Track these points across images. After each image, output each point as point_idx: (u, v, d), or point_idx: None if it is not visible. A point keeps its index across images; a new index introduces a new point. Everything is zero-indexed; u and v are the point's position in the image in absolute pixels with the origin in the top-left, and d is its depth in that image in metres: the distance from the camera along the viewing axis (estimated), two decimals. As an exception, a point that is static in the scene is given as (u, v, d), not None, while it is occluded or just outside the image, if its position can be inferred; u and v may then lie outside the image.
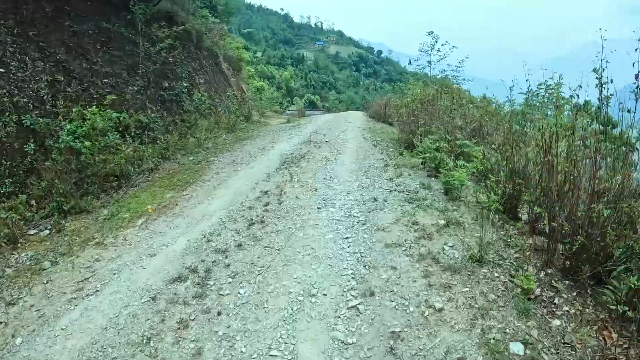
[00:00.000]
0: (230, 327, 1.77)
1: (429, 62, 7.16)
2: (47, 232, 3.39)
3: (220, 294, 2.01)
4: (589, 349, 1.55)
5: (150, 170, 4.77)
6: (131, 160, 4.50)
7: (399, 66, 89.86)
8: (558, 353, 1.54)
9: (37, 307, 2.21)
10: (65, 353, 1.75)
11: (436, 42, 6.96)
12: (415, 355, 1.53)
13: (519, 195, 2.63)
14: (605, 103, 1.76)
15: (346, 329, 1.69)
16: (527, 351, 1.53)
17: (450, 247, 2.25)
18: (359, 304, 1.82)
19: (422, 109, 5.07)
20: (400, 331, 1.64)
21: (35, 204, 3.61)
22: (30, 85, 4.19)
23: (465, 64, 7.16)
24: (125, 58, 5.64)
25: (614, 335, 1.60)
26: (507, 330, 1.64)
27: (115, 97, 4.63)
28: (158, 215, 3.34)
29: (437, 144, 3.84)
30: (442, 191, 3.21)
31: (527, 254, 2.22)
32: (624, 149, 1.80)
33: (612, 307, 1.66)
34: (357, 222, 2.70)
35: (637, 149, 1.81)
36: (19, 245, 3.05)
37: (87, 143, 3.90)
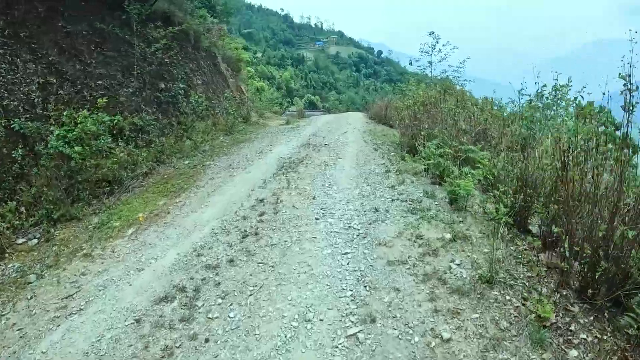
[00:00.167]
0: (218, 358, 1.62)
1: (430, 62, 7.02)
2: (36, 241, 3.26)
3: (209, 318, 1.86)
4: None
5: (145, 174, 4.62)
6: (124, 165, 4.36)
7: (399, 66, 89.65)
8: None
9: (20, 325, 2.09)
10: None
11: (437, 42, 6.81)
12: (420, 393, 1.38)
13: (530, 206, 2.47)
14: (631, 112, 1.60)
15: (344, 360, 1.54)
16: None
17: (458, 265, 2.09)
18: (358, 331, 1.67)
19: (425, 111, 4.91)
20: (404, 365, 1.49)
21: (25, 211, 3.47)
22: (21, 88, 4.05)
23: (466, 64, 7.00)
24: (120, 59, 5.50)
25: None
26: (522, 364, 1.48)
27: (107, 100, 4.48)
28: (149, 225, 3.20)
29: (441, 150, 3.67)
30: (447, 200, 3.05)
31: (540, 272, 2.06)
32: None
33: (631, 332, 1.51)
34: (357, 235, 2.54)
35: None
36: (7, 255, 2.92)
37: (77, 148, 3.76)
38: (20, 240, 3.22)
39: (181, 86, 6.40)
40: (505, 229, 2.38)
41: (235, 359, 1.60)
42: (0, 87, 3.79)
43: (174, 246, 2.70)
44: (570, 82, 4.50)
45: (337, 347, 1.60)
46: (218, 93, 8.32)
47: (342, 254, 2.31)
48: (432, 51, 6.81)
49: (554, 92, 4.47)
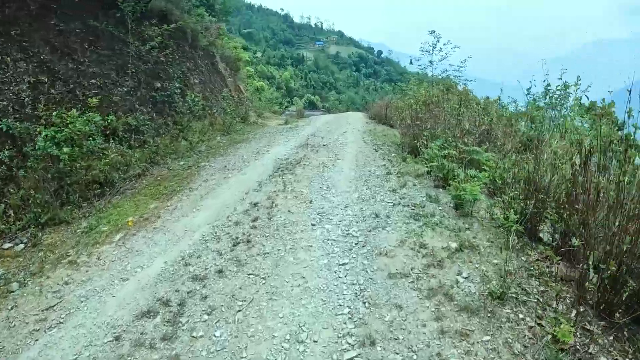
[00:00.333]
0: (199, 384, 1.46)
1: (431, 61, 6.86)
2: (23, 246, 3.13)
3: (193, 336, 1.70)
4: None
5: (138, 176, 4.48)
6: (117, 166, 4.22)
7: (399, 66, 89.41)
8: None
9: (-2, 338, 1.96)
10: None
11: (438, 41, 6.67)
12: None
13: (542, 213, 2.30)
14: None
15: (340, 390, 1.38)
16: None
17: (465, 278, 1.92)
18: (356, 355, 1.50)
19: (427, 110, 4.73)
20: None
21: (12, 215, 3.34)
22: (11, 88, 3.92)
23: (466, 64, 6.85)
24: (114, 58, 5.36)
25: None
26: (540, 396, 1.31)
27: (97, 100, 4.34)
28: (138, 230, 3.05)
29: (445, 151, 3.50)
30: (452, 205, 2.87)
31: (554, 286, 1.88)
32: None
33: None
34: (356, 244, 2.37)
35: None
36: (-9, 260, 2.79)
37: (66, 149, 3.62)
38: (6, 245, 3.09)
39: (177, 85, 6.26)
40: (515, 237, 2.21)
41: (218, 385, 1.44)
42: (-11, 86, 3.65)
43: (162, 254, 2.54)
44: (580, 80, 4.33)
45: (332, 374, 1.44)
46: (216, 92, 8.18)
47: (340, 264, 2.14)
48: (432, 50, 6.67)
49: (559, 91, 4.31)
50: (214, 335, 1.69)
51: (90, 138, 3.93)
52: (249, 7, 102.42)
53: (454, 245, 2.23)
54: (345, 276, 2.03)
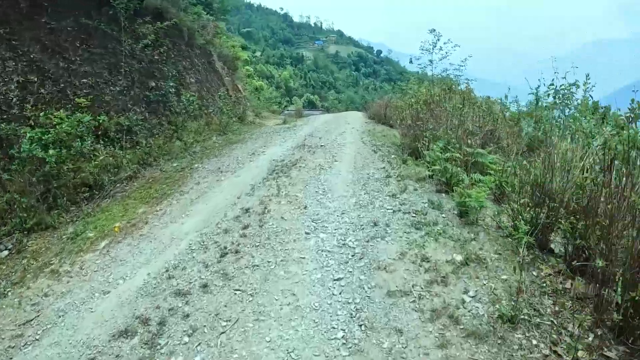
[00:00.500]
0: (174, 419, 1.31)
1: (431, 61, 6.68)
2: (7, 252, 3.01)
3: (171, 362, 1.55)
4: None
5: (129, 178, 4.34)
6: (107, 168, 4.07)
7: (398, 66, 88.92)
8: None
9: (-30, 357, 1.83)
10: None
11: (438, 40, 6.49)
12: None
13: (554, 222, 2.12)
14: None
15: None
16: None
17: (472, 297, 1.74)
18: (350, 389, 1.34)
19: (428, 110, 4.55)
20: None
21: (-2, 219, 3.20)
22: (-2, 87, 3.78)
23: (466, 63, 6.67)
24: (106, 56, 5.21)
25: None
26: None
27: (88, 100, 4.19)
28: (124, 237, 2.90)
29: (448, 154, 3.31)
30: (456, 212, 2.69)
31: (568, 305, 1.71)
32: None
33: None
34: (353, 256, 2.20)
35: None
36: (-26, 268, 2.67)
37: (52, 151, 3.48)
38: (-10, 251, 2.96)
39: (172, 84, 6.10)
40: (525, 249, 2.03)
41: (195, 422, 1.29)
42: (-26, 86, 3.52)
43: (146, 264, 2.39)
44: (589, 79, 4.13)
45: (322, 411, 1.28)
46: (212, 92, 8.01)
47: (334, 279, 1.97)
48: (433, 49, 6.50)
49: (564, 90, 4.11)
50: (194, 361, 1.53)
51: (80, 139, 3.79)
52: (248, 6, 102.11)
53: (459, 258, 2.05)
54: (340, 293, 1.86)
